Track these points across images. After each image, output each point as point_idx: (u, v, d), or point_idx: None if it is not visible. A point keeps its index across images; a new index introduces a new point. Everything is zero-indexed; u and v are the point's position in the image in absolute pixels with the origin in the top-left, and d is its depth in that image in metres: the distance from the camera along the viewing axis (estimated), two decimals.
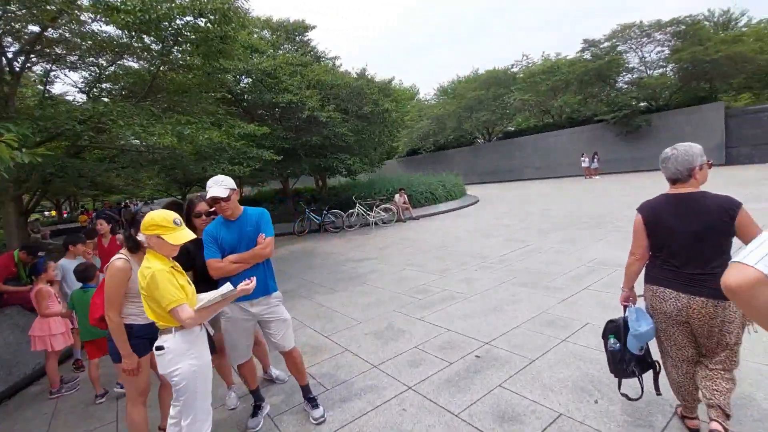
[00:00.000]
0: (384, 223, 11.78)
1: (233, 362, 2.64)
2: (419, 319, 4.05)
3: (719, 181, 11.66)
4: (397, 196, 12.26)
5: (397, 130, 15.61)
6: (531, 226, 8.51)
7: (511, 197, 15.90)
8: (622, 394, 2.18)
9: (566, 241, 6.64)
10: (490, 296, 4.47)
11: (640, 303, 2.14)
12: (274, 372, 3.16)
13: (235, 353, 2.58)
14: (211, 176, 2.47)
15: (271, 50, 14.22)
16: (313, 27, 16.72)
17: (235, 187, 2.47)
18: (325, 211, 12.05)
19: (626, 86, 23.74)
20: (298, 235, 11.92)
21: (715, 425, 1.82)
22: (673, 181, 1.93)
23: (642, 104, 22.56)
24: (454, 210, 13.47)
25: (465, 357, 3.11)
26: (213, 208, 2.47)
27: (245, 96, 12.14)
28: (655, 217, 1.93)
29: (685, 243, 1.83)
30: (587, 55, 23.91)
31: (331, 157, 12.54)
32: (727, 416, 1.83)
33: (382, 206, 11.85)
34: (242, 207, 2.56)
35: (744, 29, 21.89)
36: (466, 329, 3.64)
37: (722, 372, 1.88)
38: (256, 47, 12.24)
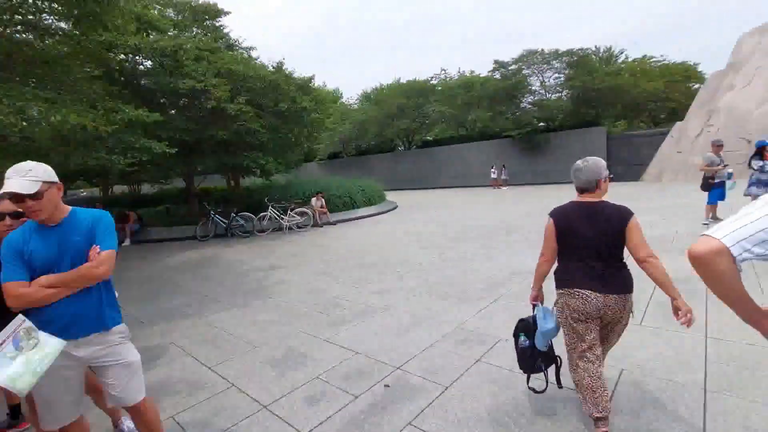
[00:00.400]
0: (299, 227, 11.06)
1: (47, 426, 1.84)
2: (326, 340, 3.56)
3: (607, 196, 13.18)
4: (314, 199, 11.63)
5: (316, 131, 14.92)
6: (447, 233, 8.56)
7: (429, 204, 16.24)
8: (530, 388, 2.33)
9: (481, 248, 6.70)
10: (405, 310, 4.16)
11: (547, 302, 2.32)
12: (128, 426, 2.41)
13: (50, 415, 1.80)
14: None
15: (174, 31, 12.64)
16: (227, 13, 15.34)
17: (53, 179, 1.73)
18: (233, 214, 10.90)
19: (529, 106, 26.15)
20: (201, 240, 10.61)
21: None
22: (582, 190, 2.10)
23: (541, 124, 25.00)
24: (372, 215, 13.25)
25: (373, 387, 2.70)
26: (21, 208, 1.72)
27: (141, 79, 10.52)
28: (566, 222, 2.08)
29: (592, 246, 2.01)
30: (497, 75, 25.84)
31: (242, 155, 11.44)
32: (604, 418, 1.98)
33: (298, 210, 11.11)
34: (69, 208, 1.82)
35: (623, 65, 25.56)
36: (377, 351, 3.25)
37: (604, 356, 2.18)
38: (154, 24, 10.71)
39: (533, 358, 2.21)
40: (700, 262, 1.03)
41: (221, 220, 10.86)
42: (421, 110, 27.94)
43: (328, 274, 5.94)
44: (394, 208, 15.66)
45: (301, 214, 11.09)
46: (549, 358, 2.25)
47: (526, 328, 2.24)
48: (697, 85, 26.65)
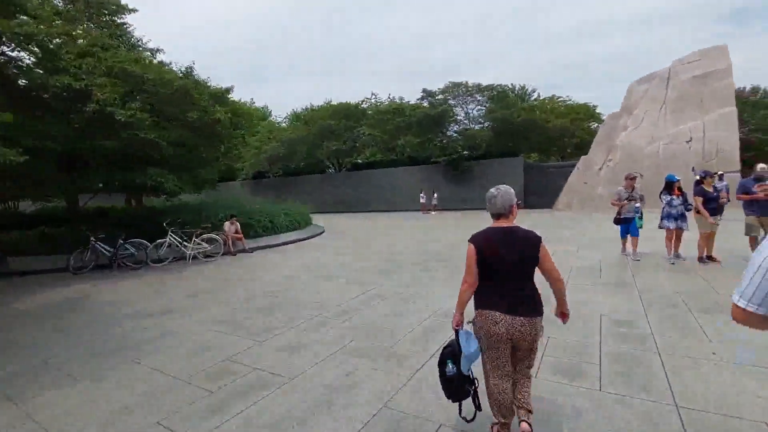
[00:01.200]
0: (207, 257, 9.54)
1: None
2: None
3: (528, 222, 13.73)
4: (227, 224, 10.21)
5: (236, 147, 13.51)
6: (375, 264, 7.83)
7: (358, 229, 15.53)
8: (463, 418, 2.31)
9: (411, 284, 6.04)
10: (318, 378, 3.21)
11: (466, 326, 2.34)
12: None
13: None
14: None
15: (59, 21, 10.64)
16: (132, 10, 13.55)
17: None
18: (121, 240, 9.03)
19: (455, 134, 27.22)
20: (75, 273, 8.55)
21: (524, 426, 2.11)
22: (498, 215, 2.22)
23: (466, 152, 26.08)
24: (296, 241, 12.11)
25: None
26: None
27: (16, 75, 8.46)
28: (487, 247, 2.12)
29: (509, 270, 2.11)
30: (426, 103, 26.63)
31: (139, 171, 9.69)
32: (531, 412, 2.19)
33: (205, 236, 9.61)
34: None
35: (535, 102, 27.96)
36: None
37: (527, 372, 2.26)
38: (25, 7, 8.78)
39: (460, 383, 2.24)
40: (743, 324, 1.27)
41: (104, 248, 8.91)
42: (351, 133, 27.61)
43: (228, 322, 4.78)
44: (321, 233, 14.65)
45: (210, 241, 9.60)
46: (470, 380, 2.28)
47: (453, 354, 2.25)
48: (595, 125, 30.17)
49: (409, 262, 7.78)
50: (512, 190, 2.29)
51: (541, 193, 23.28)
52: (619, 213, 7.42)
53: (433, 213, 22.88)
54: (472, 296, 2.24)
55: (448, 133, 27.56)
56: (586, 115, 27.65)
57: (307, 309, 5.05)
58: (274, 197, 30.15)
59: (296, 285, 6.39)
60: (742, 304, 1.22)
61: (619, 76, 78.55)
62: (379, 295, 5.48)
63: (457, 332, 2.26)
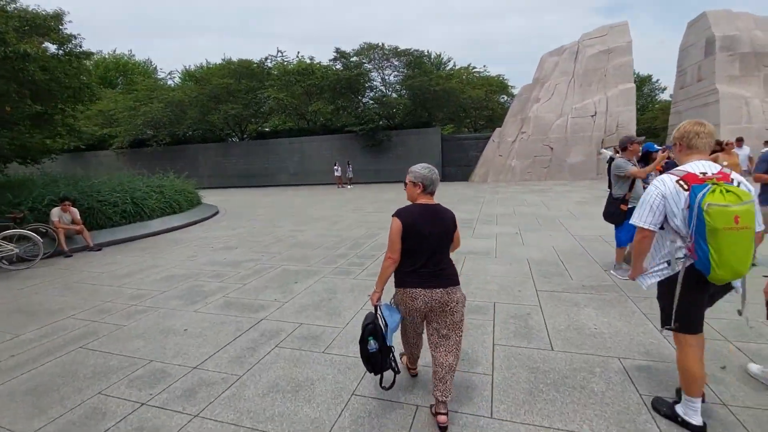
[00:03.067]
0: (13, 263, 6.43)
1: None
2: None
3: (454, 197, 12.74)
4: (56, 210, 7.09)
5: (78, 100, 9.87)
6: (275, 264, 5.78)
7: (260, 208, 13.03)
8: (383, 387, 2.33)
9: (323, 303, 4.19)
10: None
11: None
12: None
13: None
14: None
15: None
16: None
17: None
18: None
19: (371, 102, 25.30)
20: None
21: (442, 418, 2.14)
22: (432, 192, 2.23)
23: (382, 122, 24.45)
24: (174, 229, 9.33)
25: None
26: None
27: None
28: (413, 223, 2.11)
29: (431, 246, 2.13)
30: (339, 66, 24.06)
31: None
32: (445, 403, 2.17)
33: (9, 233, 6.45)
34: None
35: (452, 72, 27.12)
36: None
37: (450, 347, 2.20)
38: None
39: (383, 357, 2.22)
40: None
41: None
42: (253, 95, 23.88)
43: None
44: (214, 214, 11.88)
45: (20, 239, 6.49)
46: (389, 349, 2.26)
47: (374, 331, 2.21)
48: (505, 98, 30.73)
49: (322, 259, 5.90)
50: None
51: (457, 164, 22.85)
52: (625, 202, 4.46)
53: (348, 187, 21.02)
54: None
55: (364, 101, 25.52)
56: (499, 87, 27.74)
57: (143, 380, 2.89)
58: (159, 170, 25.42)
59: (139, 317, 4.09)
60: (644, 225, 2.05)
61: (521, 55, 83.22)
62: (274, 331, 3.52)
63: (376, 308, 2.26)
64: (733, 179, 1.90)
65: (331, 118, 26.31)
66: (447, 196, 14.03)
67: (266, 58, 25.05)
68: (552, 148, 19.79)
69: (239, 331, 3.53)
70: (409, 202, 2.24)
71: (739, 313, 2.09)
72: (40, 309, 4.42)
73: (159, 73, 38.49)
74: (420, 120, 24.25)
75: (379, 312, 2.25)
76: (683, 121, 2.15)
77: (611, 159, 4.93)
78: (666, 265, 2.07)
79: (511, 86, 28.37)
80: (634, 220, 2.09)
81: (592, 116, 19.23)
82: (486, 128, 30.14)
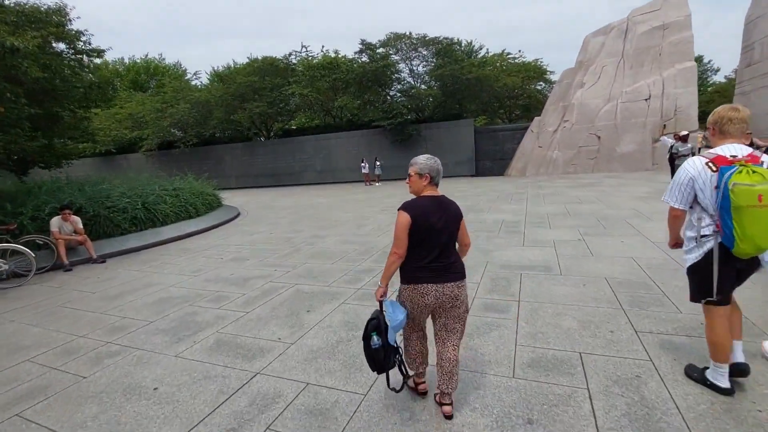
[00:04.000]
0: (3, 280, 5.82)
1: None
2: None
3: (492, 194, 11.41)
4: (54, 221, 6.49)
5: (86, 101, 9.37)
6: (286, 282, 4.85)
7: (284, 210, 12.26)
8: (392, 389, 2.21)
9: (336, 349, 3.19)
10: None
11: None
12: None
13: None
14: None
15: None
16: None
17: None
18: None
19: (399, 95, 24.14)
20: None
21: (447, 409, 2.14)
22: (437, 184, 2.19)
23: (411, 115, 23.23)
24: (188, 236, 8.65)
25: None
26: None
27: None
28: (422, 216, 2.03)
29: (440, 240, 2.07)
30: (365, 58, 23.05)
31: None
32: (449, 394, 2.15)
33: (2, 247, 5.85)
34: None
35: (485, 59, 25.44)
36: None
37: (456, 341, 2.18)
38: None
39: (387, 355, 2.12)
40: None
41: None
42: (279, 92, 23.29)
43: None
44: (235, 217, 11.21)
45: (13, 253, 5.89)
46: (395, 349, 2.17)
47: (377, 327, 2.12)
48: (542, 85, 28.64)
49: (343, 275, 4.91)
50: None
51: (492, 158, 21.32)
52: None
53: (377, 184, 20.03)
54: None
55: (391, 94, 24.40)
56: (536, 73, 25.78)
57: None
58: (177, 172, 25.45)
59: (98, 369, 3.24)
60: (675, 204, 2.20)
61: (549, 44, 79.02)
62: (266, 402, 2.52)
63: (381, 303, 2.17)
64: (763, 161, 2.00)
65: (357, 113, 25.38)
66: (484, 193, 12.72)
67: (290, 54, 24.40)
68: (599, 137, 17.93)
69: (223, 395, 2.56)
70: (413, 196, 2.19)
71: None
72: (5, 345, 3.67)
73: (188, 76, 39.08)
74: (450, 112, 22.85)
75: (384, 308, 2.16)
76: (719, 106, 2.19)
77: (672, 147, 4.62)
78: (695, 243, 2.19)
79: (550, 71, 26.29)
80: (666, 198, 2.25)
81: (646, 100, 17.21)
82: (522, 118, 28.24)
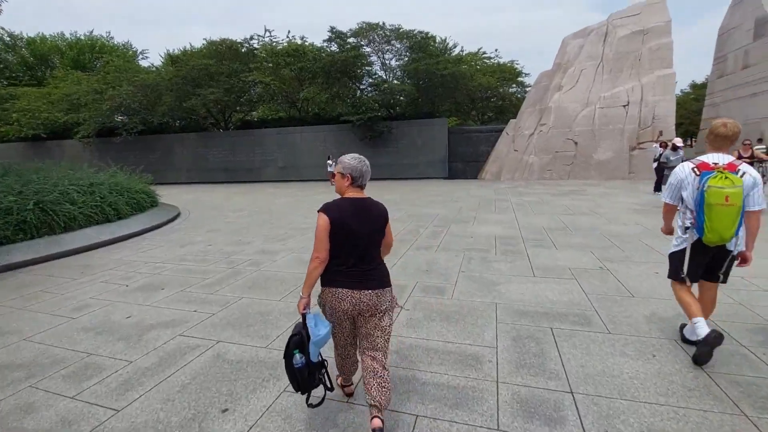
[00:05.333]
0: None
1: None
2: None
3: (471, 200, 10.09)
4: None
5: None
6: (206, 335, 3.27)
7: (234, 211, 10.44)
8: (310, 405, 2.04)
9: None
10: None
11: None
12: None
13: None
14: None
15: None
16: None
17: None
18: None
19: (370, 89, 22.65)
20: None
21: (376, 422, 1.87)
22: (363, 186, 2.07)
23: (381, 111, 21.79)
24: (99, 246, 6.72)
25: None
26: None
27: None
28: (340, 219, 1.94)
29: (360, 244, 1.96)
30: (334, 47, 21.37)
31: None
32: (380, 409, 1.91)
33: None
34: None
35: (459, 57, 24.38)
36: None
37: (379, 357, 2.02)
38: None
39: (312, 373, 1.99)
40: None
41: None
42: (238, 78, 21.07)
43: None
44: (171, 220, 9.29)
45: None
46: (320, 364, 2.05)
47: (301, 343, 1.95)
48: (515, 87, 28.13)
49: (294, 320, 3.38)
50: None
51: (465, 160, 20.33)
52: None
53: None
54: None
55: (362, 87, 22.85)
56: (511, 75, 25.11)
57: None
58: (132, 161, 22.63)
59: None
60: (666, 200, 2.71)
61: (518, 51, 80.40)
62: None
63: (304, 317, 1.98)
64: (739, 169, 2.39)
65: (325, 107, 23.64)
66: (462, 199, 11.50)
67: (251, 38, 22.19)
68: (576, 143, 17.32)
69: None
70: (338, 196, 2.08)
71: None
72: None
73: (139, 58, 35.51)
74: (423, 110, 21.66)
75: (306, 322, 1.97)
76: (717, 121, 2.56)
77: (660, 156, 4.71)
78: (680, 233, 2.69)
79: (525, 74, 25.71)
80: (663, 196, 2.82)
81: (624, 106, 16.77)
82: (495, 121, 27.57)
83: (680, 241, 2.69)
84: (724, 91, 18.00)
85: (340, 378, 2.32)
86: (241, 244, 6.53)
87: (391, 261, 5.06)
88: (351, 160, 2.06)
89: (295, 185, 19.15)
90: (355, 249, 1.96)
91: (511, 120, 19.54)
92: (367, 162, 2.11)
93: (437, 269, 4.75)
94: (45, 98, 23.33)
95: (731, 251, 2.52)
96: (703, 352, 2.44)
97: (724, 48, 18.15)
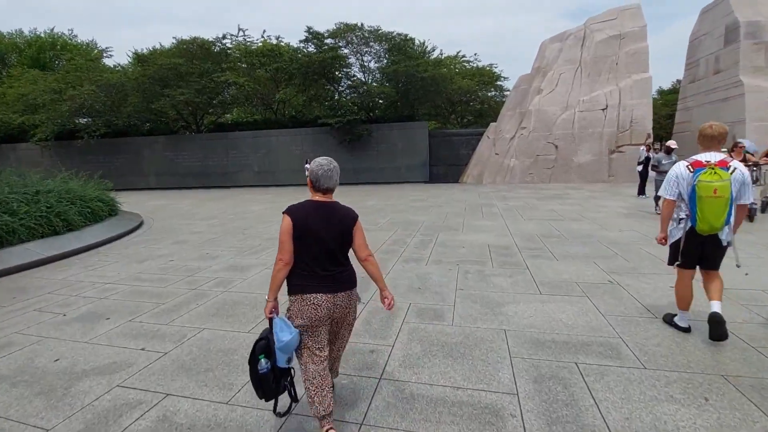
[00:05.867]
0: None
1: None
2: None
3: (456, 205, 9.60)
4: None
5: None
6: (150, 385, 2.62)
7: (204, 219, 9.63)
8: (277, 414, 2.04)
9: None
10: None
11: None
12: None
13: None
14: None
15: None
16: None
17: None
18: None
19: (349, 91, 22.07)
20: None
21: None
22: (326, 190, 2.01)
23: (361, 114, 21.25)
24: (38, 264, 5.87)
25: None
26: None
27: None
28: (304, 221, 1.92)
29: (325, 247, 1.93)
30: (311, 48, 20.72)
31: None
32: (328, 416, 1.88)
33: None
34: None
35: (439, 60, 24.12)
36: None
37: (338, 356, 2.16)
38: None
39: (276, 379, 1.94)
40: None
41: None
42: (209, 79, 20.07)
43: None
44: (131, 231, 8.43)
45: None
46: (286, 371, 2.00)
47: (267, 348, 1.93)
48: (493, 92, 28.15)
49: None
50: None
51: (446, 163, 20.04)
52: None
53: None
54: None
55: (340, 89, 22.25)
56: (490, 78, 25.08)
57: None
58: (95, 167, 21.26)
59: None
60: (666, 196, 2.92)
61: (492, 56, 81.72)
62: None
63: (271, 321, 1.95)
64: (730, 166, 2.67)
65: (302, 109, 22.91)
66: (447, 204, 11.08)
67: (224, 37, 21.25)
68: (557, 146, 17.28)
69: None
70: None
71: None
72: None
73: (104, 57, 33.70)
74: (402, 114, 21.27)
75: (273, 326, 1.93)
76: (705, 123, 2.91)
77: (647, 159, 5.46)
78: (675, 225, 2.97)
79: (504, 77, 25.74)
80: (661, 192, 3.03)
81: (603, 110, 16.85)
82: (474, 124, 27.49)
83: (677, 231, 2.95)
84: (696, 95, 18.39)
85: (318, 417, 1.91)
86: (208, 259, 5.82)
87: None
88: (313, 163, 2.03)
89: (271, 190, 18.32)
90: (321, 252, 1.92)
91: (492, 123, 19.39)
92: (332, 166, 2.02)
93: (431, 287, 4.22)
94: None
95: (722, 239, 2.76)
96: (723, 331, 2.65)
97: (696, 53, 18.57)
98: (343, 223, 1.98)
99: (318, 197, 2.01)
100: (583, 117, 16.97)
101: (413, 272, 4.77)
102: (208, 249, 6.50)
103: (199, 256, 6.01)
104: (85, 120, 21.47)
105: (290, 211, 1.96)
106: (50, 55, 33.70)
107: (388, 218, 8.91)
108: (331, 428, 1.88)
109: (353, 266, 2.05)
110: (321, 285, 1.91)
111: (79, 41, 36.74)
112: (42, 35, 35.32)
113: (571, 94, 17.46)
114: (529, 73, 19.25)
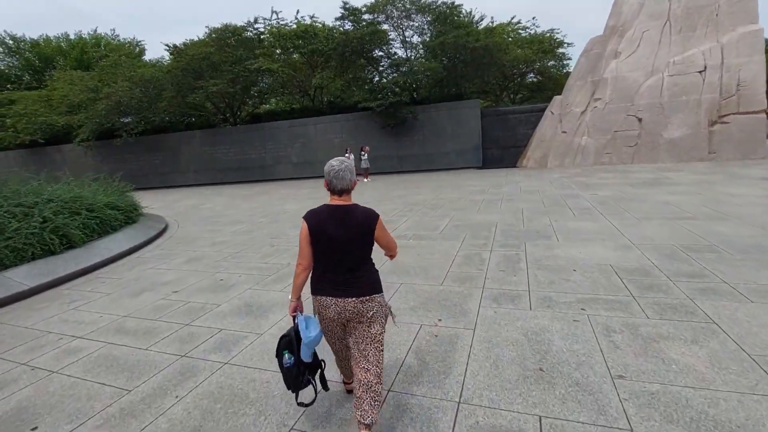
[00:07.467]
0: None
1: None
2: None
3: (528, 200, 7.53)
4: None
5: None
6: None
7: (233, 224, 8.34)
8: (300, 404, 2.07)
9: None
10: None
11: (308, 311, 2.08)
12: None
13: None
14: None
15: None
16: None
17: None
18: None
19: (390, 70, 20.12)
20: None
21: None
22: (341, 192, 1.97)
23: (404, 95, 19.28)
24: (22, 297, 4.72)
25: None
26: None
27: None
28: (320, 226, 1.92)
29: (342, 251, 1.91)
30: (348, 25, 18.95)
31: None
32: (368, 427, 1.87)
33: None
34: None
35: (490, 28, 21.43)
36: None
37: (369, 366, 1.96)
38: None
39: (300, 373, 2.05)
40: None
41: None
42: (242, 66, 18.93)
43: None
44: (150, 240, 7.28)
45: None
46: (314, 366, 2.12)
47: (289, 345, 2.05)
48: (552, 62, 24.88)
49: None
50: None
51: (501, 146, 17.70)
52: None
53: (366, 180, 16.14)
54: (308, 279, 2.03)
55: (380, 69, 20.35)
56: (551, 46, 21.98)
57: None
58: (134, 165, 21.14)
59: None
60: None
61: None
62: None
63: (294, 318, 2.07)
64: None
65: (340, 94, 21.31)
66: (516, 197, 9.02)
67: (256, 21, 19.98)
68: (640, 120, 14.42)
69: None
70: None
71: None
72: None
73: (145, 55, 33.96)
74: (450, 92, 19.04)
75: (298, 323, 2.04)
76: None
77: None
78: None
79: (567, 43, 22.45)
80: None
81: (700, 72, 13.73)
82: (530, 99, 24.54)
83: None
84: None
85: (342, 375, 2.31)
86: (219, 291, 4.37)
87: (462, 333, 2.77)
88: (327, 166, 1.99)
89: (310, 183, 17.01)
90: (335, 256, 1.91)
91: (556, 96, 16.68)
92: (343, 166, 1.95)
93: (560, 366, 2.41)
94: (43, 101, 21.91)
95: None
96: None
97: None
98: (363, 225, 1.92)
99: (335, 200, 1.98)
100: (675, 82, 13.94)
101: (515, 327, 2.98)
102: (225, 271, 5.07)
103: (210, 285, 4.58)
104: (127, 119, 21.20)
105: (307, 217, 1.96)
106: (93, 55, 34.50)
107: (447, 220, 7.10)
108: (351, 381, 2.17)
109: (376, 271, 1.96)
110: (333, 289, 1.92)
111: (121, 40, 37.42)
112: (85, 36, 36.18)
113: (657, 56, 14.42)
114: (602, 34, 16.22)
